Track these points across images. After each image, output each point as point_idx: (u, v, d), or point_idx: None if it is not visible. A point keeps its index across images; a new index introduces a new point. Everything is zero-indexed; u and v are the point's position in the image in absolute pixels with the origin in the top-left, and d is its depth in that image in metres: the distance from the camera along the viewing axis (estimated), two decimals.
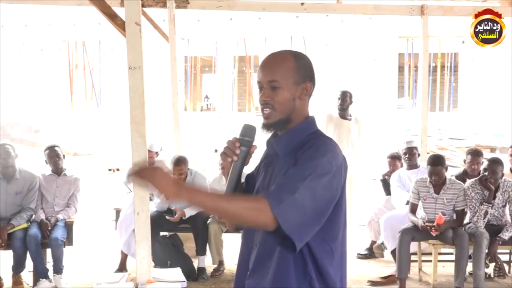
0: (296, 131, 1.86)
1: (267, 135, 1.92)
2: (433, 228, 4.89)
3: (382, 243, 5.87)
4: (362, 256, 5.99)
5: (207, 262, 5.47)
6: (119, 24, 4.45)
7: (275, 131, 1.90)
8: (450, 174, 5.39)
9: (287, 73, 1.84)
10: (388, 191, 6.02)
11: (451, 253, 5.34)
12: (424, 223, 4.96)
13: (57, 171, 5.33)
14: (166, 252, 5.34)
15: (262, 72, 1.86)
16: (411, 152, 5.76)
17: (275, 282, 1.79)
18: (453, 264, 5.07)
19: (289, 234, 1.64)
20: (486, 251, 4.86)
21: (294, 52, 1.93)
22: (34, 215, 5.15)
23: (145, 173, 1.69)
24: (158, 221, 5.26)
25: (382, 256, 5.97)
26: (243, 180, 1.99)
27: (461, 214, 5.06)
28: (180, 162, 5.38)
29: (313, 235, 1.71)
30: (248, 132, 1.86)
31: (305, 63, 1.89)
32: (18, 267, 5.01)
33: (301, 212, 1.66)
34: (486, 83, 13.98)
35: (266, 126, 1.87)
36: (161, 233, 5.48)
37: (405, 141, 5.93)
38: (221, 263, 5.44)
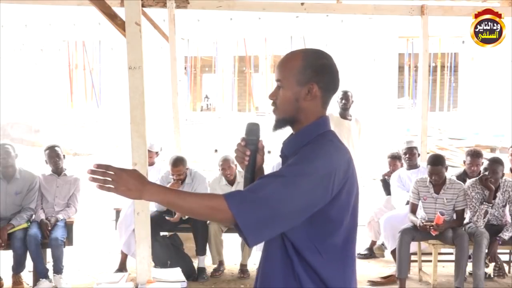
0: (303, 133, 1.83)
1: (279, 135, 1.92)
2: (432, 228, 4.89)
3: (382, 244, 5.87)
4: (362, 256, 5.98)
5: (207, 262, 5.47)
6: (119, 24, 4.45)
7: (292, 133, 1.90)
8: (450, 174, 5.39)
9: (290, 73, 1.81)
10: (388, 191, 6.02)
11: (451, 253, 5.34)
12: (423, 222, 4.96)
13: (57, 171, 5.33)
14: (166, 252, 5.34)
15: (275, 70, 1.88)
16: (411, 152, 5.76)
17: (263, 280, 1.85)
18: (453, 264, 5.07)
19: (244, 233, 1.65)
20: (486, 251, 4.86)
21: (308, 51, 1.86)
22: (34, 215, 5.15)
23: (111, 174, 1.69)
24: (158, 221, 5.25)
25: (383, 256, 5.98)
26: None
27: (461, 214, 5.06)
28: (178, 163, 5.35)
29: (276, 234, 1.72)
30: (252, 130, 1.91)
31: (314, 63, 1.81)
32: (18, 267, 5.01)
33: (260, 212, 1.65)
34: (486, 83, 13.98)
35: (274, 124, 1.87)
36: (161, 233, 5.48)
37: (405, 141, 5.93)
38: (221, 263, 5.44)
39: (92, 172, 1.69)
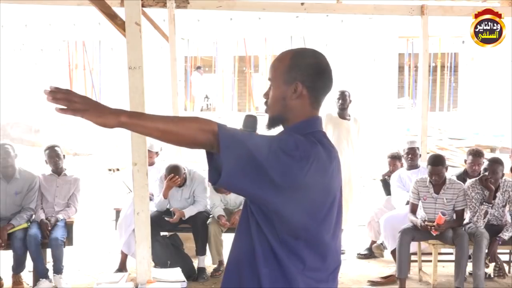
0: (292, 129, 1.82)
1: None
2: (433, 227, 4.90)
3: (382, 243, 5.87)
4: (362, 256, 5.99)
5: (207, 262, 5.47)
6: (119, 24, 4.45)
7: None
8: (450, 174, 5.39)
9: (278, 72, 1.84)
10: (388, 191, 6.02)
11: (451, 253, 5.34)
12: (424, 222, 4.96)
13: (57, 171, 5.33)
14: (166, 252, 5.34)
15: (268, 70, 1.93)
16: (413, 152, 5.77)
17: (230, 265, 1.95)
18: (453, 264, 5.08)
19: (223, 160, 1.61)
20: (486, 251, 4.86)
21: (298, 50, 1.88)
22: (34, 215, 5.15)
23: (76, 101, 1.59)
24: (158, 221, 5.26)
25: (382, 256, 5.97)
26: None
27: (461, 214, 5.06)
28: (174, 172, 5.31)
29: (242, 187, 1.66)
30: (249, 122, 1.93)
31: (301, 62, 1.82)
32: (18, 267, 5.02)
33: (241, 151, 1.61)
34: (486, 83, 13.98)
35: (267, 123, 1.89)
36: (161, 233, 5.48)
37: (408, 141, 5.93)
38: (221, 263, 5.44)
39: (51, 93, 1.57)
